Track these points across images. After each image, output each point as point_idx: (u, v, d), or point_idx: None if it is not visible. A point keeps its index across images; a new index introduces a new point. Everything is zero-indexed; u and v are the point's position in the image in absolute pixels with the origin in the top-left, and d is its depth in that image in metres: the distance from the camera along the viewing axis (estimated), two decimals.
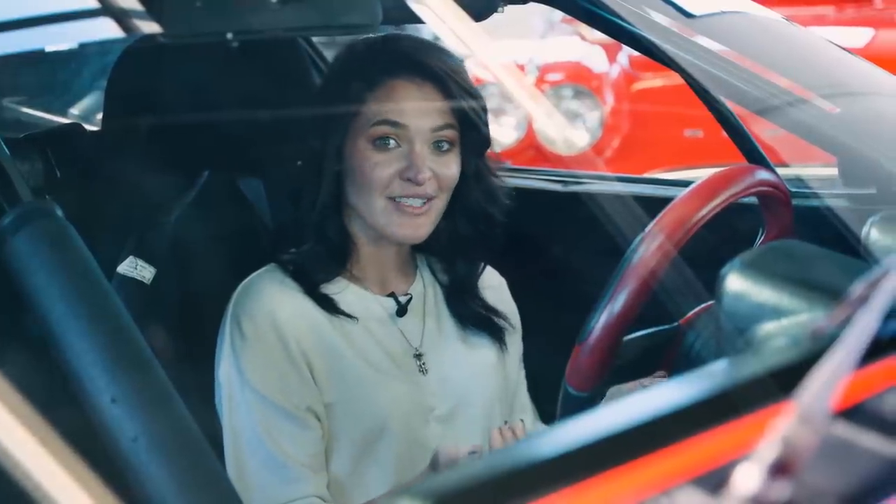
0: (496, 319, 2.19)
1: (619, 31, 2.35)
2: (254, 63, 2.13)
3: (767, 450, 0.79)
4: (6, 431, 1.04)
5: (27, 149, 2.16)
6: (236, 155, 2.26)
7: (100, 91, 4.32)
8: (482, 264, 2.20)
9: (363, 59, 2.09)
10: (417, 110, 2.02)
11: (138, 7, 1.42)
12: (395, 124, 2.01)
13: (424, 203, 2.02)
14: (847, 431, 0.92)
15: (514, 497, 0.81)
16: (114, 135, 2.30)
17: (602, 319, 1.58)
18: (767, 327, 1.28)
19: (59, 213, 1.45)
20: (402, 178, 2.01)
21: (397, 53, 2.06)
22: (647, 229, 1.61)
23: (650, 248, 1.58)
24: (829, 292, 1.33)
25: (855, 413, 0.95)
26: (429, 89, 2.04)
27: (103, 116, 2.35)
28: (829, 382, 0.83)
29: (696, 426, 0.91)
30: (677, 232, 1.60)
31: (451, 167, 2.05)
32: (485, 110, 2.10)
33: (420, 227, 2.03)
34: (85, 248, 1.42)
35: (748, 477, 0.78)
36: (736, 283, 1.37)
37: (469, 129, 2.07)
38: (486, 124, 2.11)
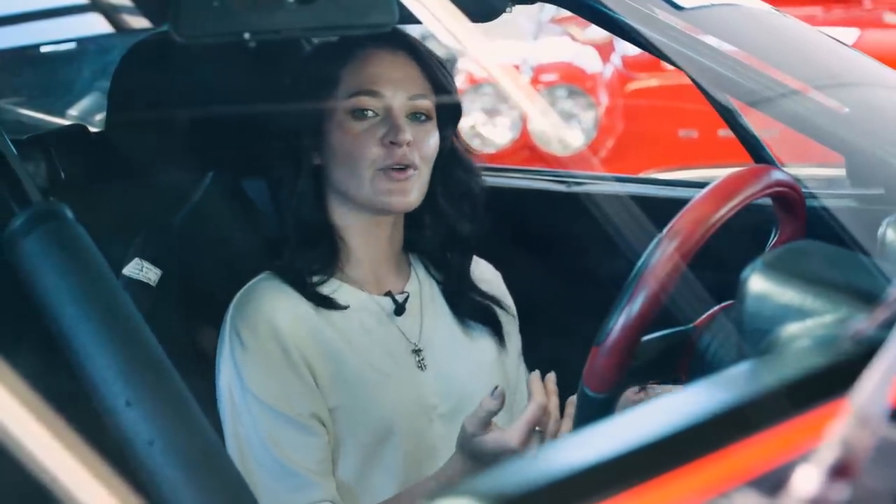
0: (494, 310, 2.20)
1: (624, 29, 2.35)
2: (259, 63, 2.11)
3: (826, 451, 0.78)
4: (26, 431, 1.03)
5: (31, 150, 2.16)
6: (240, 156, 2.25)
7: (99, 92, 4.31)
8: (472, 255, 2.20)
9: (337, 39, 2.09)
10: (393, 79, 2.03)
11: (154, 5, 1.42)
12: (372, 93, 2.02)
13: (408, 169, 2.01)
14: (892, 432, 0.91)
15: (573, 501, 0.80)
16: (117, 135, 2.29)
17: (620, 321, 1.57)
18: (792, 328, 1.27)
19: (70, 214, 1.44)
20: (383, 143, 2.00)
21: None
22: (664, 231, 1.60)
23: (668, 249, 1.57)
24: (853, 293, 1.32)
25: None
26: (402, 58, 2.06)
27: (107, 116, 2.34)
28: (883, 383, 0.82)
29: (749, 427, 0.90)
30: (695, 233, 1.58)
31: (430, 138, 2.05)
32: (454, 81, 2.13)
33: (408, 192, 2.02)
34: (96, 250, 1.41)
35: (808, 479, 0.78)
36: (758, 283, 1.36)
37: (443, 100, 2.08)
38: (457, 95, 2.13)
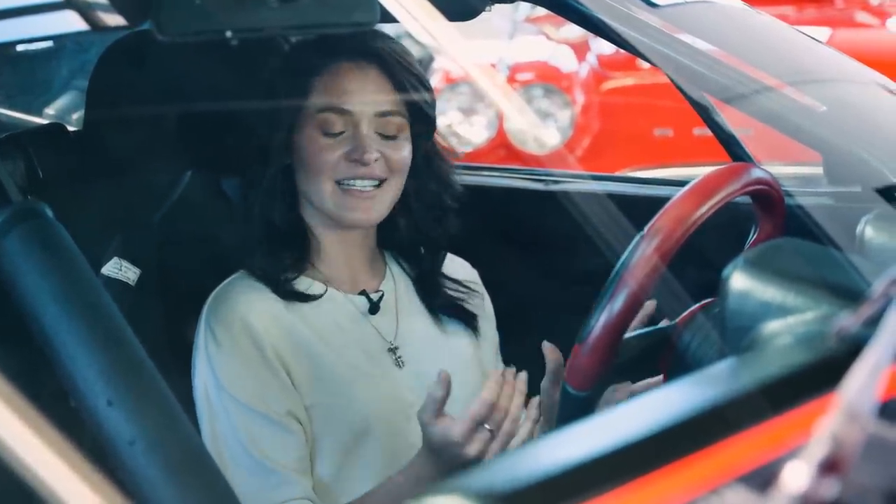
0: (467, 304, 2.20)
1: (600, 27, 2.35)
2: (238, 62, 2.11)
3: (817, 447, 0.79)
4: (8, 430, 1.03)
5: (8, 149, 2.15)
6: (219, 154, 2.24)
7: (76, 91, 4.30)
8: (444, 252, 2.21)
9: (309, 47, 2.09)
10: (361, 95, 2.03)
11: (135, 3, 1.41)
12: (339, 111, 2.02)
13: (375, 187, 2.02)
14: (880, 428, 0.92)
15: (564, 498, 0.80)
16: (96, 134, 2.28)
17: (602, 319, 1.57)
18: (774, 325, 1.28)
19: (49, 213, 1.44)
20: (348, 159, 2.01)
21: (341, 38, 2.06)
22: (645, 229, 1.60)
23: (649, 247, 1.57)
24: (835, 290, 1.33)
25: (886, 410, 0.95)
26: (373, 72, 2.05)
27: (85, 114, 2.33)
28: (871, 378, 0.83)
29: (738, 424, 0.91)
30: (676, 231, 1.59)
31: (400, 151, 2.05)
32: (431, 92, 2.12)
33: (370, 209, 2.03)
34: (76, 249, 1.41)
35: (797, 474, 0.78)
36: (740, 281, 1.37)
37: (417, 114, 2.08)
38: (433, 107, 2.12)
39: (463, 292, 2.21)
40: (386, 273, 2.17)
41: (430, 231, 2.15)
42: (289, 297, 2.05)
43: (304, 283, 2.08)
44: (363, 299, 2.11)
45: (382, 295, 2.13)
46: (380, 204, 2.04)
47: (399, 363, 2.09)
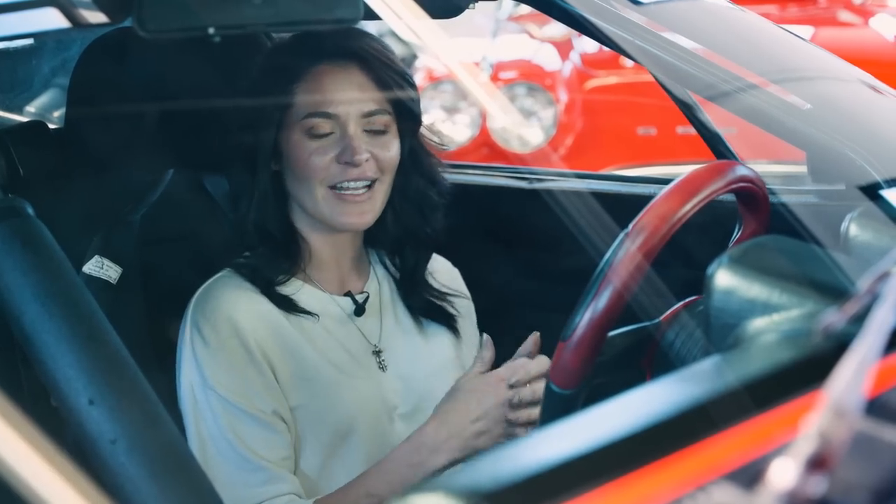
0: (448, 307, 2.20)
1: (584, 25, 2.35)
2: (220, 60, 2.10)
3: (804, 444, 0.78)
4: None
5: None
6: (201, 152, 2.24)
7: (58, 88, 4.28)
8: (430, 253, 2.20)
9: (289, 50, 2.08)
10: (347, 97, 2.02)
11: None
12: (325, 115, 2.01)
13: (367, 188, 2.02)
14: (867, 424, 0.91)
15: (549, 496, 0.80)
16: (77, 132, 2.27)
17: (586, 317, 1.56)
18: (758, 323, 1.28)
19: (30, 211, 1.43)
20: (339, 161, 2.00)
21: (319, 40, 2.05)
22: (630, 226, 1.60)
23: (634, 244, 1.56)
24: (819, 287, 1.33)
25: (872, 407, 0.95)
26: (354, 72, 2.04)
27: (66, 112, 2.32)
28: (858, 375, 0.83)
29: (724, 421, 0.90)
30: (661, 228, 1.58)
31: (389, 149, 2.05)
32: (414, 88, 2.11)
33: (364, 213, 2.03)
34: (58, 248, 1.40)
35: (784, 471, 0.78)
36: (725, 279, 1.37)
37: (402, 111, 2.07)
38: (418, 103, 2.12)
39: (443, 294, 2.21)
40: (371, 274, 2.17)
41: (417, 229, 2.14)
42: (275, 298, 2.04)
43: (291, 285, 2.08)
44: (348, 301, 2.11)
45: (367, 297, 2.12)
46: (372, 206, 2.03)
47: (382, 366, 2.09)
